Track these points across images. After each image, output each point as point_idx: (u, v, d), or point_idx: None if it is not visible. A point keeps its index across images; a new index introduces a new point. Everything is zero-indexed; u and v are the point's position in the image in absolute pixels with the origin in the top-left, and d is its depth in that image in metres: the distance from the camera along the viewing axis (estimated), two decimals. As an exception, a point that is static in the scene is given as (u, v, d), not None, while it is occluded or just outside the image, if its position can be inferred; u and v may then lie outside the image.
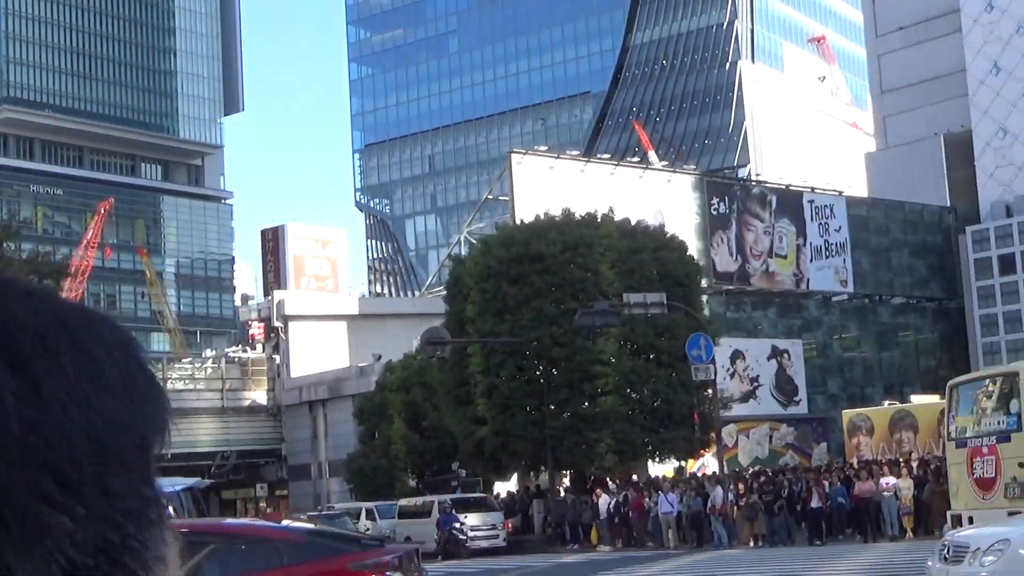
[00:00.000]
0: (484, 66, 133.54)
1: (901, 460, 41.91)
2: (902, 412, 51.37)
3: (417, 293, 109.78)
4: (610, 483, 44.42)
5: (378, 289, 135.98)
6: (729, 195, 71.74)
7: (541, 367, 44.60)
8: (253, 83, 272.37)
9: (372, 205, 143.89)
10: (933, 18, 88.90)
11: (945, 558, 15.22)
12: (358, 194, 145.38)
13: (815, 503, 36.02)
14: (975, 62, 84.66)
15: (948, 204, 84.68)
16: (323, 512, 46.88)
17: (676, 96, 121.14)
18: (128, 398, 0.87)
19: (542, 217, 48.41)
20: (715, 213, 69.61)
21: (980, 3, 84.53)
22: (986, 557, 14.47)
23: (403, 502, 47.63)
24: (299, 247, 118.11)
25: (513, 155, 65.19)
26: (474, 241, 63.03)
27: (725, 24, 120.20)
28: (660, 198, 66.06)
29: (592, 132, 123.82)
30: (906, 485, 35.24)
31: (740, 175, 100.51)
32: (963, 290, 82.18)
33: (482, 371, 45.11)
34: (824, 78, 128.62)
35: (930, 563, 16.06)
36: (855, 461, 46.68)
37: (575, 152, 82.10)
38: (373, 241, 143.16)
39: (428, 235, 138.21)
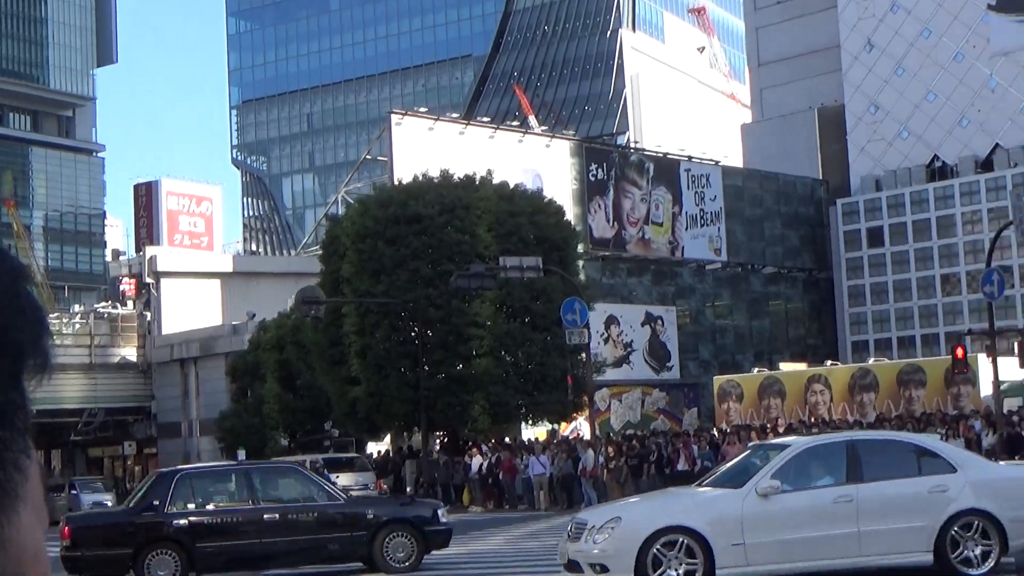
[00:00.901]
0: (365, 25, 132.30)
1: (768, 425, 42.79)
2: (771, 379, 52.45)
3: (293, 252, 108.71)
4: (483, 445, 44.61)
5: (253, 248, 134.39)
6: (607, 162, 72.22)
7: (416, 328, 44.54)
8: (128, 35, 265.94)
9: (249, 163, 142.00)
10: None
11: (568, 535, 15.48)
12: (234, 151, 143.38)
13: (682, 466, 36.57)
14: (849, 38, 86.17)
15: (820, 177, 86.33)
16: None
17: (557, 62, 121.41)
18: (7, 311, 0.93)
19: (420, 178, 48.22)
20: (593, 179, 70.03)
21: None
22: (599, 535, 14.78)
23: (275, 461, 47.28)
24: (173, 203, 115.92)
25: (393, 116, 64.82)
26: (351, 201, 62.57)
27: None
28: (539, 163, 66.25)
29: (473, 95, 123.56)
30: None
31: (619, 142, 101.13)
32: (832, 261, 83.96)
33: (357, 331, 44.90)
34: (703, 49, 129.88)
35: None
36: (725, 426, 47.54)
37: (455, 115, 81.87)
38: (249, 199, 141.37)
39: (305, 194, 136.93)
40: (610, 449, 40.64)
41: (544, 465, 40.09)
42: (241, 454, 49.33)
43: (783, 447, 15.97)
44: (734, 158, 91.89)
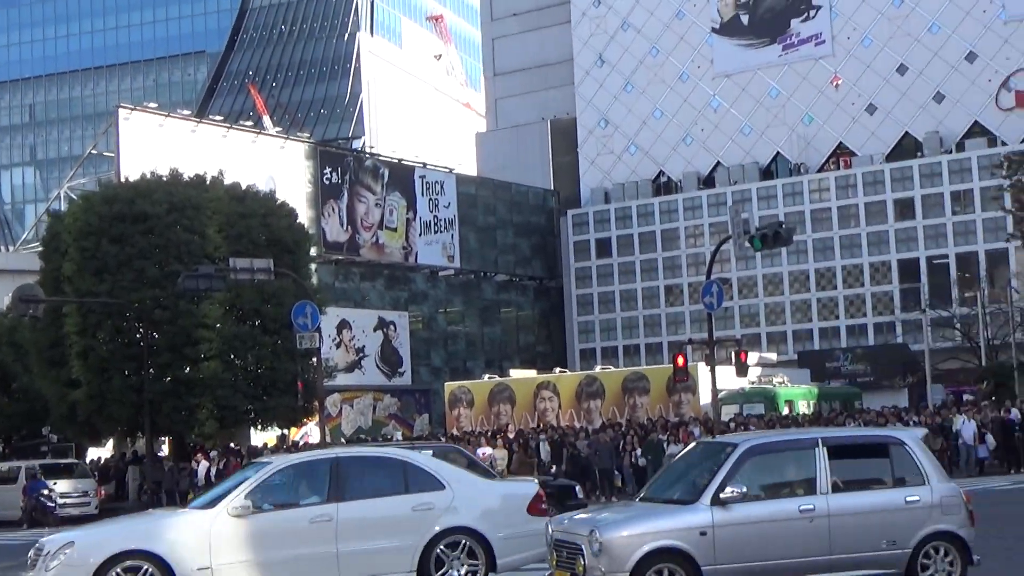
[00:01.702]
0: (95, 15, 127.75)
1: (498, 432, 43.28)
2: (501, 385, 53.02)
3: (11, 248, 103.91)
4: (210, 450, 43.57)
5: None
6: (342, 166, 71.82)
7: (142, 330, 43.14)
8: None
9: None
10: (546, 7, 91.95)
11: (29, 561, 14.40)
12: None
13: (414, 472, 36.56)
14: (582, 53, 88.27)
15: (552, 187, 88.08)
16: None
17: (294, 63, 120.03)
18: None
19: (149, 176, 46.73)
20: (327, 183, 69.51)
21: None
22: (52, 561, 13.89)
23: None
24: None
25: (121, 110, 62.70)
26: (75, 197, 60.24)
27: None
28: (273, 164, 65.27)
29: (206, 93, 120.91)
30: (501, 456, 36.39)
31: (354, 146, 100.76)
32: (562, 270, 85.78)
33: (78, 332, 43.15)
34: (440, 56, 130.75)
35: None
36: (455, 432, 47.83)
37: (187, 112, 79.89)
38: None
39: (26, 188, 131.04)
40: (340, 455, 40.25)
41: (272, 471, 39.40)
42: None
43: (264, 464, 15.06)
44: (468, 166, 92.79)
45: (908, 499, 13.42)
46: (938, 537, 13.49)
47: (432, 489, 14.63)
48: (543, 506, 15.05)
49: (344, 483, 14.51)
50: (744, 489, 12.97)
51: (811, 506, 13.13)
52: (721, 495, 12.92)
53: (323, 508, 14.29)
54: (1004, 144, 70.28)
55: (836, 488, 13.29)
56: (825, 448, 13.42)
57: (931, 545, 13.44)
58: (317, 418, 41.74)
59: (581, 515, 14.24)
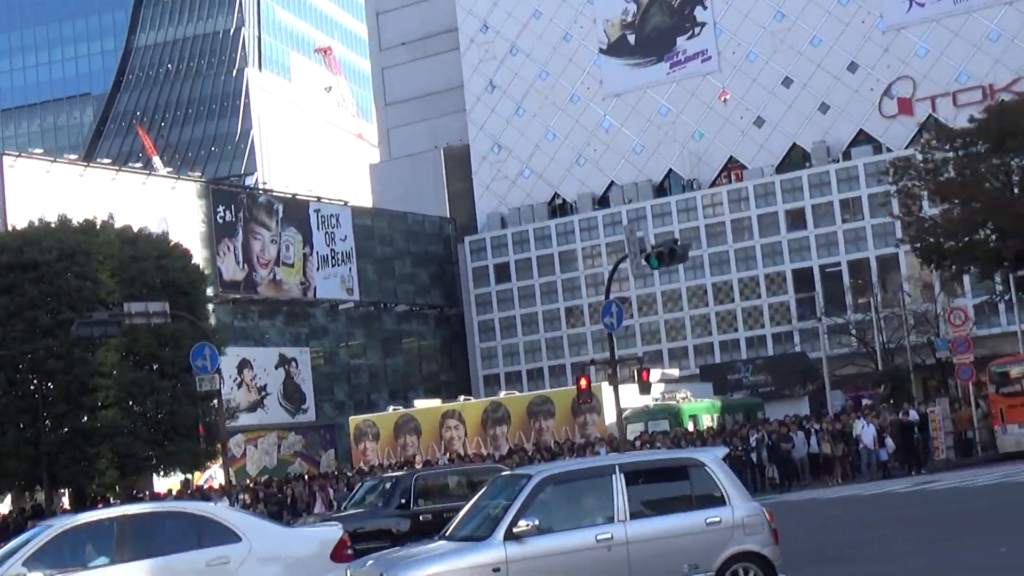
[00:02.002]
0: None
1: (405, 464, 43.02)
2: (406, 417, 52.80)
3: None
4: (112, 499, 42.77)
5: None
6: (235, 203, 71.16)
7: (36, 381, 42.30)
8: None
9: None
10: (434, 35, 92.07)
11: None
12: None
13: (319, 509, 36.18)
14: (472, 79, 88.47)
15: (448, 215, 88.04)
16: None
17: (182, 101, 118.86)
18: None
19: (37, 223, 45.95)
20: (221, 221, 68.81)
21: (476, 23, 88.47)
22: None
23: None
24: None
25: (5, 157, 61.56)
26: (-39, 248, 58.89)
27: (232, 30, 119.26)
28: (164, 205, 64.47)
29: (93, 135, 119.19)
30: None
31: (247, 183, 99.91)
32: (462, 297, 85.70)
33: (-31, 387, 42.19)
34: (330, 89, 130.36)
35: None
36: (363, 466, 47.49)
37: (74, 156, 78.63)
38: None
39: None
40: (246, 496, 39.80)
41: (177, 517, 38.74)
42: None
43: (45, 528, 14.02)
44: (363, 198, 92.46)
45: (709, 520, 13.09)
46: (742, 558, 13.24)
47: (227, 542, 13.92)
48: (348, 551, 14.48)
49: (131, 542, 13.67)
50: (537, 521, 12.56)
51: (608, 534, 12.77)
52: (515, 529, 12.50)
53: (109, 571, 13.43)
54: (889, 150, 71.64)
55: (635, 514, 12.98)
56: (622, 474, 13.10)
57: (736, 566, 13.20)
58: (221, 461, 41.21)
59: (385, 556, 13.93)
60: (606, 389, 41.67)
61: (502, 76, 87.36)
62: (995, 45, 73.34)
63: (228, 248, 68.97)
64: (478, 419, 49.62)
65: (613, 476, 13.09)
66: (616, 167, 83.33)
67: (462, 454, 45.16)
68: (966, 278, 56.77)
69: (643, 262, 34.32)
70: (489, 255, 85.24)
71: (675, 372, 63.66)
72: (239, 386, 64.28)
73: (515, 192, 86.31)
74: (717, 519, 13.15)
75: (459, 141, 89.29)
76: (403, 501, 23.16)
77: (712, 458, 13.82)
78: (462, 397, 58.93)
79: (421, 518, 22.66)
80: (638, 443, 37.31)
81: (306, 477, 45.90)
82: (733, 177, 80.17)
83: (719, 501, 13.29)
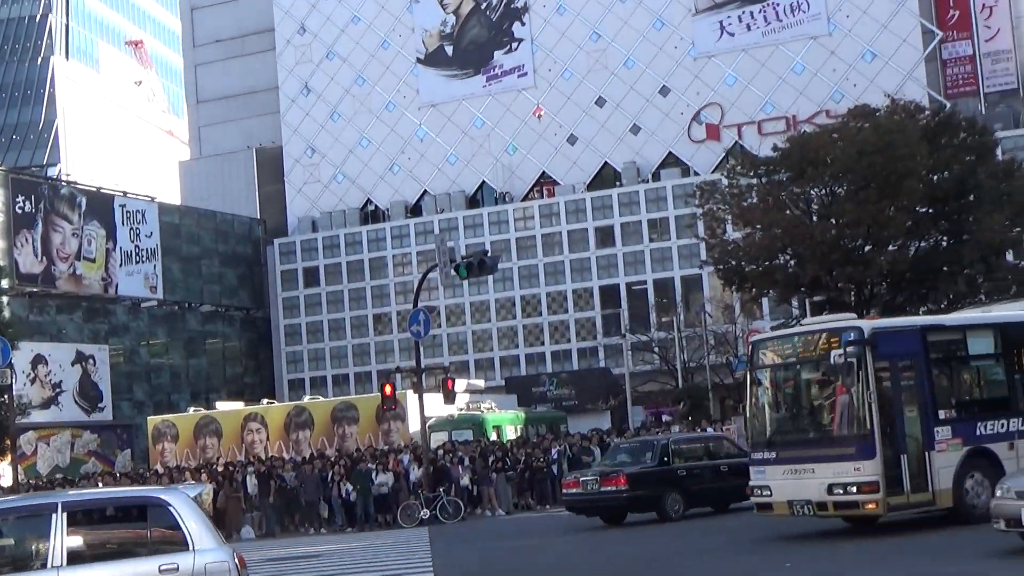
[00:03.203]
0: None
1: (204, 466, 42.23)
2: (207, 418, 51.79)
3: None
4: None
5: None
6: (36, 194, 68.96)
7: None
8: None
9: None
10: (249, 34, 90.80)
11: None
12: None
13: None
14: (287, 81, 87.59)
15: (259, 216, 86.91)
16: None
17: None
18: None
19: None
20: (20, 212, 66.60)
21: (293, 25, 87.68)
22: None
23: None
24: None
25: None
26: None
27: (38, 17, 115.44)
28: (-40, 192, 62.06)
29: None
30: (207, 490, 35.44)
31: (49, 174, 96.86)
32: (269, 300, 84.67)
33: None
34: (141, 83, 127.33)
35: None
36: (159, 467, 46.42)
37: None
38: None
39: None
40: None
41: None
42: None
43: None
44: (172, 195, 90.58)
45: (163, 567, 11.35)
46: None
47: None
48: None
49: None
50: None
51: None
52: None
53: None
54: (697, 174, 73.47)
55: (74, 559, 11.26)
56: (65, 513, 11.40)
57: None
58: (10, 458, 39.81)
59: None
60: (411, 397, 41.63)
61: (318, 80, 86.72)
62: (799, 78, 76.03)
63: (26, 240, 66.79)
64: (281, 423, 49.00)
65: (54, 516, 11.40)
66: (430, 176, 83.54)
67: (262, 457, 44.55)
68: (765, 301, 58.52)
69: (452, 272, 34.54)
70: (299, 258, 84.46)
71: (480, 383, 63.94)
72: (32, 382, 62.26)
73: (327, 197, 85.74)
74: (174, 566, 11.47)
75: (272, 142, 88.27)
76: (664, 458, 27.74)
77: (179, 498, 12.22)
78: (265, 400, 58.11)
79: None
80: (440, 452, 37.40)
81: (99, 477, 44.63)
82: (545, 192, 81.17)
83: (180, 546, 11.69)
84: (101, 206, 71.94)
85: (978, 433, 19.35)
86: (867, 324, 19.25)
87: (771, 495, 19.81)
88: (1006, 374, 20.52)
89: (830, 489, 18.65)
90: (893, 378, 19.07)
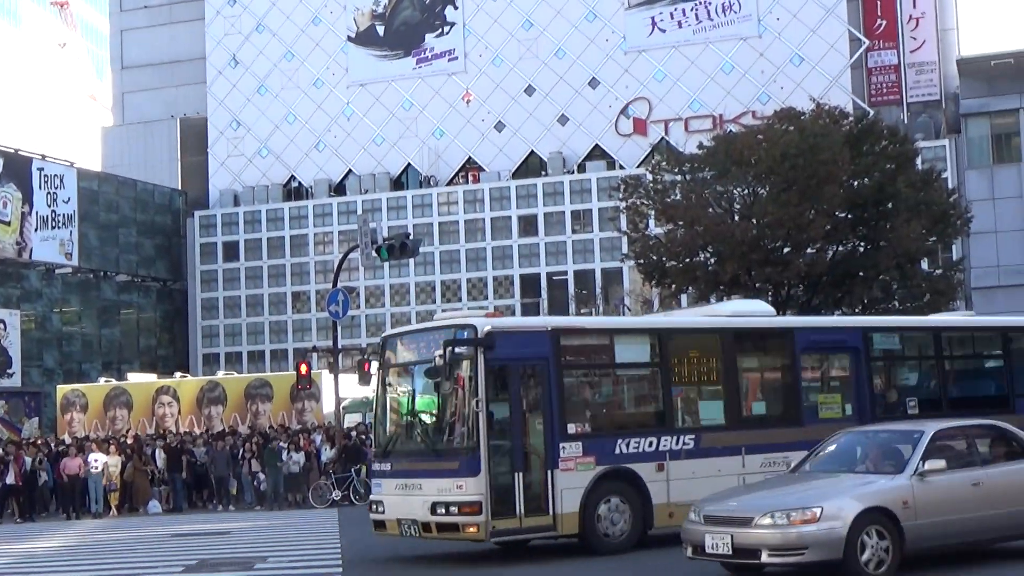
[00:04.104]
0: None
1: (112, 438, 41.77)
2: (118, 389, 51.19)
3: None
4: None
5: None
6: (-47, 153, 67.62)
7: None
8: None
9: None
10: (179, 2, 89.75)
11: None
12: None
13: (10, 479, 34.68)
14: (215, 52, 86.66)
15: (180, 187, 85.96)
16: None
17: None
18: None
19: None
20: (-65, 170, 65.28)
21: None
22: None
23: None
24: None
25: None
26: None
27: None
28: None
29: None
30: (114, 463, 35.10)
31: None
32: (187, 272, 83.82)
33: None
34: (65, 45, 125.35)
35: None
36: (67, 437, 45.82)
37: None
38: None
39: None
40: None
41: None
42: None
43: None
44: (92, 161, 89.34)
45: None
46: None
47: None
48: None
49: None
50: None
51: None
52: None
53: None
54: (622, 167, 73.83)
55: None
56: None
57: None
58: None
59: None
60: (327, 377, 41.53)
61: (246, 52, 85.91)
62: (727, 77, 76.63)
63: (-60, 199, 65.51)
64: (193, 397, 48.55)
65: None
66: (355, 156, 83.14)
67: (173, 431, 44.15)
68: (683, 297, 58.91)
69: (373, 253, 34.48)
70: (219, 232, 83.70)
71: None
72: (-61, 345, 61.16)
73: (251, 171, 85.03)
74: None
75: (196, 113, 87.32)
76: None
77: None
78: (178, 374, 57.53)
79: None
80: (354, 433, 37.28)
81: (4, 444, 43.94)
82: (470, 178, 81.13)
83: None
84: (19, 168, 70.74)
85: (618, 451, 17.27)
86: (482, 322, 16.83)
87: (384, 512, 17.75)
88: (662, 386, 18.39)
89: (433, 508, 16.68)
90: (514, 386, 16.82)
